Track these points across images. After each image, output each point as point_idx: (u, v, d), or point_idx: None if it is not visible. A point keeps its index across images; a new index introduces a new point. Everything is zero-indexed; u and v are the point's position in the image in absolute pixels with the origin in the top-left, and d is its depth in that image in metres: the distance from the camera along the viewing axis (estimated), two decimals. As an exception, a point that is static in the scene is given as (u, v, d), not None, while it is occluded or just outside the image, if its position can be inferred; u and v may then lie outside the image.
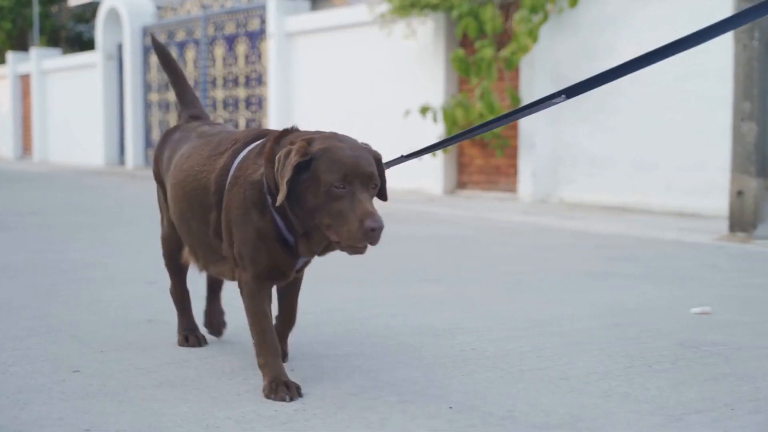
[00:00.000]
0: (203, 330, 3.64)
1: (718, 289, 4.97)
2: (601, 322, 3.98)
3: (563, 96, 2.54)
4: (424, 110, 11.49)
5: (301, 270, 3.06)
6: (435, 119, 11.52)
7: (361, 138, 2.83)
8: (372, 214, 2.52)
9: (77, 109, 22.54)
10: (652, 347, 3.51)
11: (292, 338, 3.45)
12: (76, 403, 2.75)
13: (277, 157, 2.69)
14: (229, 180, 2.89)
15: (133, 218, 8.94)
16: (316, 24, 14.64)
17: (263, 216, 2.77)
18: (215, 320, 3.60)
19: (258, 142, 2.92)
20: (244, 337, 3.48)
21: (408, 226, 8.21)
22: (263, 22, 15.97)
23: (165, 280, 5.07)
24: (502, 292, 4.84)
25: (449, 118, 11.32)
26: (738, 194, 7.39)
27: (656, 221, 8.74)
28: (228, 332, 3.67)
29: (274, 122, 15.43)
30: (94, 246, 6.63)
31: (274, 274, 2.87)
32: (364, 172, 2.60)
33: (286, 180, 2.60)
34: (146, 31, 19.75)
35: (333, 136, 2.70)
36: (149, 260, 5.84)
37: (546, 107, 2.57)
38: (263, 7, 15.87)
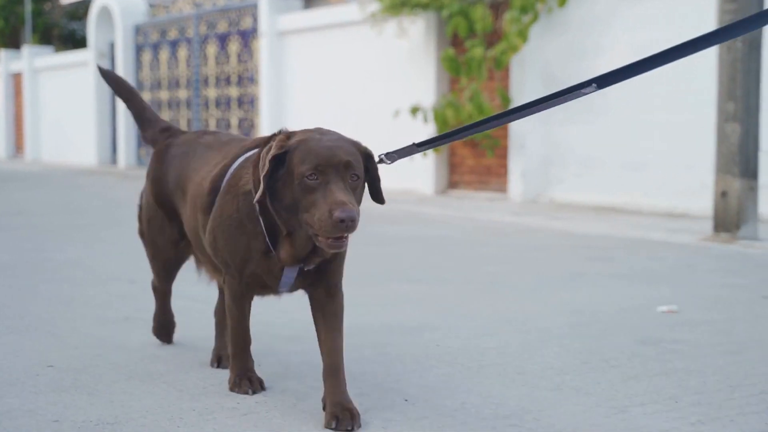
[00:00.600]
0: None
1: (691, 288, 5.13)
2: (566, 320, 4.16)
3: (594, 85, 2.47)
4: (414, 110, 11.66)
5: (297, 285, 2.82)
6: (425, 119, 11.69)
7: (353, 137, 2.73)
8: (342, 204, 2.42)
9: (69, 107, 22.71)
10: (612, 344, 3.68)
11: (264, 339, 3.63)
12: (47, 396, 2.92)
13: (261, 156, 2.64)
14: (224, 184, 2.84)
15: (120, 219, 9.09)
16: (308, 23, 14.81)
17: (255, 226, 2.70)
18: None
19: (258, 149, 2.82)
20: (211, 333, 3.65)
21: (395, 227, 8.37)
22: (255, 20, 16.14)
23: (146, 279, 5.26)
24: (477, 291, 5.01)
25: (439, 118, 11.48)
26: (722, 195, 7.55)
27: (644, 222, 8.90)
28: (200, 328, 3.85)
29: (266, 121, 15.60)
30: (79, 246, 6.80)
31: (259, 283, 2.81)
32: (339, 162, 2.49)
33: (263, 175, 2.55)
34: (138, 30, 19.92)
35: (315, 130, 2.63)
36: (132, 260, 6.01)
37: (575, 97, 2.51)
38: (255, 6, 16.03)
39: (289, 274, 2.74)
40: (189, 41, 18.31)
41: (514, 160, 11.39)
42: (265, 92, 15.68)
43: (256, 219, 2.70)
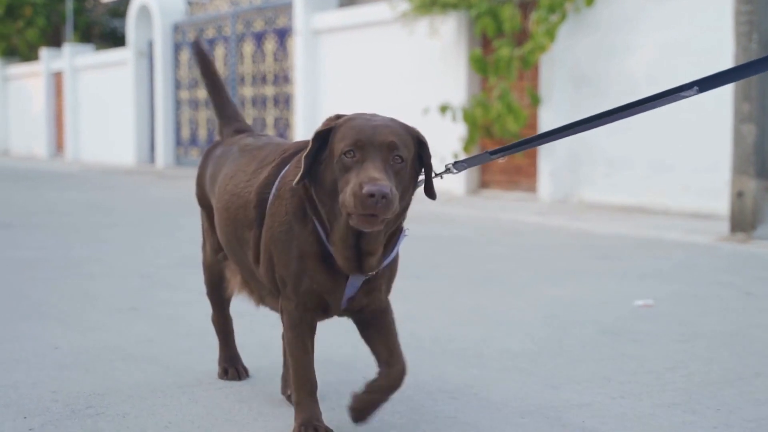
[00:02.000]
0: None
1: (681, 285, 5.51)
2: (542, 313, 4.59)
3: (696, 88, 2.42)
4: (443, 109, 12.10)
5: (358, 301, 2.70)
6: (454, 118, 12.13)
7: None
8: (374, 179, 2.32)
9: (109, 106, 23.53)
10: (575, 333, 4.12)
11: (246, 322, 4.12)
12: (50, 372, 3.45)
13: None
14: (272, 192, 2.72)
15: (144, 218, 9.69)
16: (342, 21, 15.33)
17: (305, 226, 2.59)
18: None
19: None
20: (209, 327, 4.16)
21: (414, 226, 8.82)
22: (291, 19, 16.70)
23: (156, 274, 5.80)
24: (469, 287, 5.45)
25: (469, 118, 11.91)
26: (738, 195, 7.90)
27: (666, 222, 9.24)
28: (193, 316, 4.35)
29: (300, 121, 16.14)
30: (101, 244, 7.37)
31: (319, 302, 2.67)
32: (382, 141, 2.41)
33: (305, 154, 2.50)
34: (177, 28, 20.62)
35: (367, 113, 2.56)
36: (148, 257, 6.56)
37: (674, 100, 2.47)
38: (291, 4, 16.59)
39: (354, 283, 2.63)
40: (226, 40, 18.95)
41: (543, 160, 11.78)
42: (299, 91, 16.22)
43: (307, 218, 2.59)
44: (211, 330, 4.00)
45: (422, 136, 2.56)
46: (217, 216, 3.04)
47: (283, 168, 2.76)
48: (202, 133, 19.93)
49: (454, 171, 2.81)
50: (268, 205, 2.72)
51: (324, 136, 2.50)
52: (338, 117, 2.55)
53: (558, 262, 6.55)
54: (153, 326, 4.25)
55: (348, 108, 14.75)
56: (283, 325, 2.74)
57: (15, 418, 2.90)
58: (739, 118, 7.91)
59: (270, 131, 17.62)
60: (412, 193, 2.56)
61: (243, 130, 3.39)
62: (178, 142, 20.83)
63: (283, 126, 17.26)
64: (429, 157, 2.57)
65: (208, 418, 2.91)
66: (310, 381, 2.74)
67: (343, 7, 16.11)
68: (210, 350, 3.76)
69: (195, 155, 20.10)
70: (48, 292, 5.14)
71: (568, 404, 3.04)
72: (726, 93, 9.58)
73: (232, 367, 3.39)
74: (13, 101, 30.52)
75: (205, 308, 4.37)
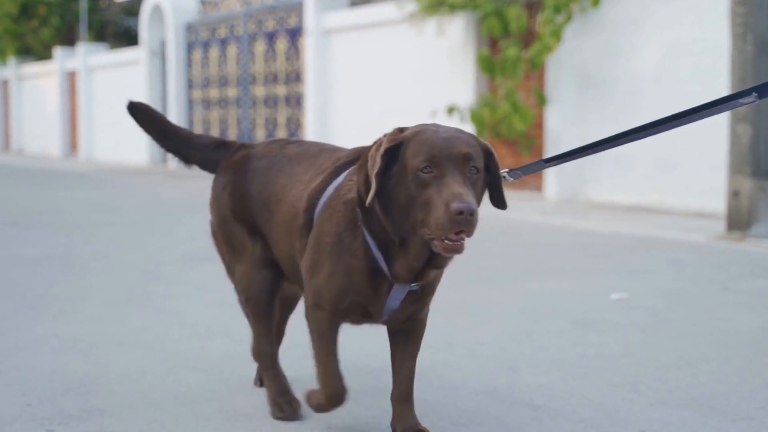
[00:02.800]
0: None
1: (664, 281, 5.82)
2: (519, 305, 4.92)
3: (754, 95, 2.43)
4: (450, 110, 12.43)
5: (402, 311, 2.72)
6: (461, 119, 12.46)
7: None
8: (460, 195, 2.32)
9: (122, 105, 23.86)
10: (546, 324, 4.44)
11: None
12: (48, 356, 3.81)
13: (369, 156, 2.56)
14: (323, 200, 2.75)
15: (149, 216, 10.07)
16: (353, 21, 15.70)
17: (355, 239, 2.61)
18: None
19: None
20: (200, 317, 4.51)
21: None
22: (302, 18, 17.07)
23: (157, 269, 6.15)
24: (459, 283, 5.73)
25: (476, 118, 12.24)
26: (734, 194, 8.19)
27: (668, 221, 9.53)
28: (186, 308, 4.70)
29: (311, 120, 16.50)
30: (105, 241, 7.75)
31: (359, 311, 2.72)
32: (458, 153, 2.42)
33: (375, 172, 2.46)
34: (189, 28, 21.05)
35: (431, 124, 2.56)
36: (150, 253, 6.93)
37: (733, 107, 2.48)
38: (302, 4, 16.96)
39: (397, 295, 2.64)
40: (238, 39, 19.35)
41: (549, 160, 12.06)
42: (310, 90, 16.60)
43: (358, 231, 2.61)
44: (202, 319, 4.39)
45: (490, 147, 2.59)
46: (276, 229, 2.99)
47: (335, 177, 2.78)
48: (215, 133, 20.31)
49: (511, 179, 2.78)
50: (316, 213, 2.75)
51: (392, 152, 2.50)
52: (401, 130, 2.55)
53: (551, 259, 6.86)
54: (147, 317, 4.60)
55: (356, 107, 15.19)
56: (311, 332, 2.78)
57: (15, 395, 3.26)
58: (735, 119, 8.19)
59: (281, 131, 18.00)
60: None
61: (224, 142, 3.35)
62: (191, 141, 21.22)
63: (295, 125, 17.63)
64: (497, 167, 2.61)
65: (190, 396, 3.26)
66: (334, 366, 2.81)
67: (354, 6, 16.48)
68: (198, 337, 4.12)
69: (207, 155, 20.47)
70: (50, 286, 5.51)
71: (522, 385, 3.37)
72: (726, 93, 9.87)
73: (286, 402, 3.11)
74: (27, 100, 31.07)
75: (199, 300, 4.75)
